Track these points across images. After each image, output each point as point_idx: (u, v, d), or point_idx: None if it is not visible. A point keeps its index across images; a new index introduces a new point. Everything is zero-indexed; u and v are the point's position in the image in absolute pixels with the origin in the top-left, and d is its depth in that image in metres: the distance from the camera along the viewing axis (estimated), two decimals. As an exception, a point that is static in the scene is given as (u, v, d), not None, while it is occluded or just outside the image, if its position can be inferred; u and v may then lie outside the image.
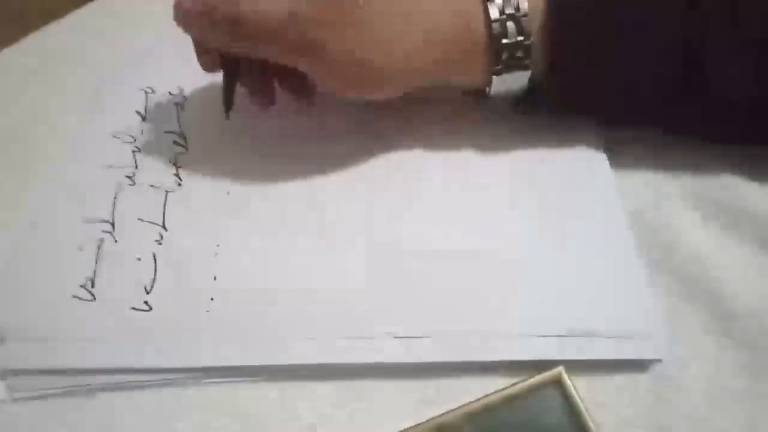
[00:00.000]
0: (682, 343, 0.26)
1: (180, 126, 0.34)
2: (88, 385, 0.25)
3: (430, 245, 0.28)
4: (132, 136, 0.33)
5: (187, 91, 0.36)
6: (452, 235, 0.29)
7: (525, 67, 0.28)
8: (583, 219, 0.29)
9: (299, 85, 0.31)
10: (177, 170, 0.32)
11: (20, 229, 0.29)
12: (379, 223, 0.29)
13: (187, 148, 0.33)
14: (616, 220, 0.29)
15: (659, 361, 0.25)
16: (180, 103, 0.35)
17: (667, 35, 0.27)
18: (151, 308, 0.27)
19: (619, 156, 0.31)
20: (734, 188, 0.30)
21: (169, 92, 0.36)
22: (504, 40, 0.27)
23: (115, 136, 0.33)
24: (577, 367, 0.24)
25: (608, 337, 0.25)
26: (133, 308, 0.27)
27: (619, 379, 0.25)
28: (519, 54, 0.27)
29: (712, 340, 0.26)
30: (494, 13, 0.27)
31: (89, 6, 0.41)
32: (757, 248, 0.28)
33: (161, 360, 0.25)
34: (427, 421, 0.23)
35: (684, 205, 0.29)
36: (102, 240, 0.29)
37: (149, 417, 0.24)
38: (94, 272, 0.28)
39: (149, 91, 0.36)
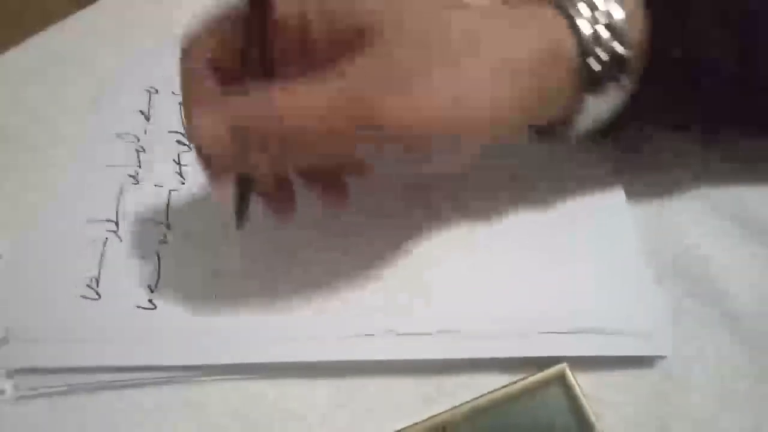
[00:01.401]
0: (687, 341, 0.25)
1: (183, 125, 0.34)
2: (92, 383, 0.25)
3: (431, 243, 0.28)
4: (135, 136, 0.34)
5: (191, 90, 0.36)
6: (453, 233, 0.28)
7: (622, 81, 0.24)
8: (588, 217, 0.29)
9: (331, 178, 0.27)
10: (180, 169, 0.32)
11: (25, 229, 0.30)
12: (378, 226, 0.29)
13: (190, 148, 0.33)
14: (621, 217, 0.29)
15: (663, 358, 0.25)
16: (183, 103, 0.35)
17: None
18: (155, 307, 0.27)
19: (624, 157, 0.31)
20: (740, 187, 0.29)
21: (173, 92, 0.36)
22: (600, 53, 0.23)
23: (118, 136, 0.34)
24: (581, 363, 0.24)
25: (612, 334, 0.25)
26: (138, 307, 0.27)
27: (623, 377, 0.25)
28: (617, 68, 0.24)
29: (717, 339, 0.25)
30: (584, 25, 0.23)
31: (91, 8, 0.41)
32: (763, 248, 0.28)
33: (165, 358, 0.25)
34: (429, 419, 0.23)
35: (690, 204, 0.29)
36: (106, 239, 0.29)
37: (152, 415, 0.25)
38: (99, 271, 0.28)
39: (152, 90, 0.36)
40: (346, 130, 0.21)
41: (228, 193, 0.24)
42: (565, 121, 0.26)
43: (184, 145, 0.33)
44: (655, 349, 0.25)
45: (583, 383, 0.24)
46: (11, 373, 0.25)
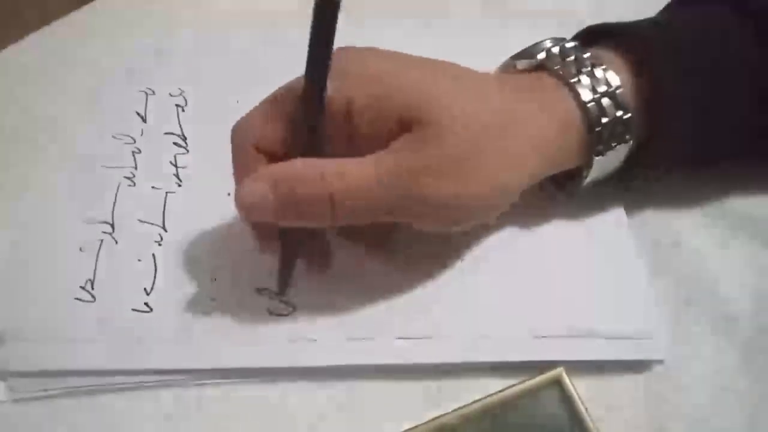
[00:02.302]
0: (683, 343, 0.26)
1: (180, 127, 0.34)
2: (88, 386, 0.25)
3: (430, 250, 0.28)
4: (132, 137, 0.33)
5: (188, 91, 0.36)
6: (452, 239, 0.29)
7: (626, 141, 0.26)
8: (584, 221, 0.29)
9: (375, 235, 0.28)
10: (177, 171, 0.32)
11: (20, 230, 0.29)
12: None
13: (187, 149, 0.33)
14: (617, 220, 0.29)
15: (660, 361, 0.25)
16: (180, 104, 0.35)
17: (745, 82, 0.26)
18: (151, 309, 0.27)
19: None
20: (735, 190, 0.30)
21: (170, 93, 0.36)
22: (604, 119, 0.25)
23: (115, 137, 0.33)
24: (578, 367, 0.25)
25: (609, 338, 0.25)
26: (134, 309, 0.27)
27: (620, 380, 0.25)
28: (619, 129, 0.26)
29: (712, 341, 0.26)
30: (586, 95, 0.25)
31: (89, 6, 0.41)
32: (757, 249, 0.28)
33: (161, 361, 0.25)
34: (428, 422, 0.23)
35: (685, 206, 0.30)
36: (102, 241, 0.29)
37: (150, 418, 0.24)
38: (94, 273, 0.28)
39: (149, 92, 0.36)
40: (394, 204, 0.23)
41: (275, 250, 0.26)
42: (574, 174, 0.28)
43: (181, 147, 0.33)
44: (650, 352, 0.25)
45: (579, 386, 0.24)
46: (5, 375, 0.25)
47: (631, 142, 0.26)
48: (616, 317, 0.26)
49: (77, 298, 0.27)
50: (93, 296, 0.27)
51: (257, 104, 0.25)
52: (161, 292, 0.27)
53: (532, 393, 0.24)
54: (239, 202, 0.23)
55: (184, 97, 0.35)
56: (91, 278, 0.28)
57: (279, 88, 0.25)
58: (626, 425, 0.24)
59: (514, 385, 0.24)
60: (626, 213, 0.29)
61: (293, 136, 0.24)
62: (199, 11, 0.41)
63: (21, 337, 0.26)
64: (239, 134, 0.25)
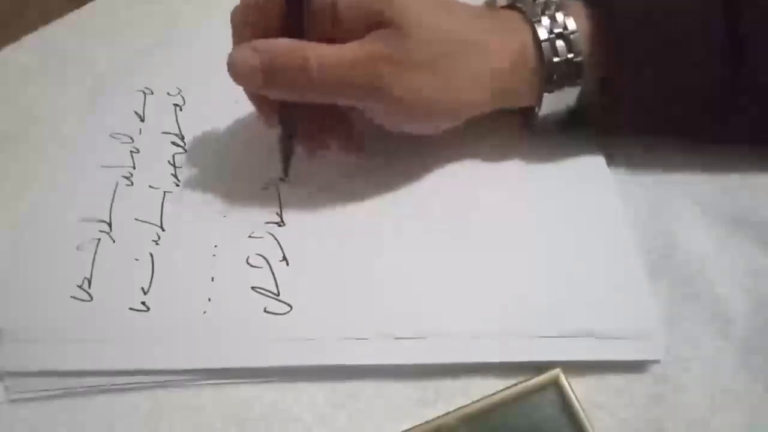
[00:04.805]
0: (681, 344, 0.26)
1: (178, 127, 0.34)
2: (85, 386, 0.25)
3: (427, 246, 0.28)
4: (130, 137, 0.33)
5: (186, 91, 0.36)
6: (451, 236, 0.29)
7: (575, 84, 0.28)
8: (582, 220, 0.29)
9: (349, 135, 0.32)
10: (175, 171, 0.32)
11: (18, 230, 0.29)
12: (372, 231, 0.29)
13: (185, 149, 0.33)
14: (615, 221, 0.29)
15: (657, 362, 0.25)
16: (178, 104, 0.35)
17: (710, 34, 0.27)
18: (148, 309, 0.27)
19: (618, 159, 0.31)
20: (733, 190, 0.30)
21: (168, 93, 0.36)
22: (555, 59, 0.28)
23: (113, 137, 0.33)
24: (575, 368, 0.24)
25: (606, 338, 0.25)
26: (131, 309, 0.27)
27: (618, 381, 0.25)
28: (570, 71, 0.28)
29: (710, 341, 0.26)
30: (543, 33, 0.28)
31: (89, 6, 0.41)
32: (755, 249, 0.28)
33: (159, 361, 0.25)
34: (425, 422, 0.23)
35: (683, 206, 0.29)
36: (99, 240, 0.29)
37: (146, 418, 0.24)
38: (92, 272, 0.28)
39: (148, 91, 0.36)
40: (356, 86, 0.26)
41: (270, 119, 0.30)
42: (528, 110, 0.30)
43: (179, 146, 0.33)
44: (648, 353, 0.25)
45: (577, 387, 0.24)
46: (1, 375, 0.25)
47: (581, 85, 0.28)
48: (613, 317, 0.26)
49: (74, 298, 0.27)
50: (90, 295, 0.27)
51: None
52: (158, 291, 0.27)
53: (529, 394, 0.24)
54: (228, 64, 0.26)
55: (182, 97, 0.35)
56: (89, 277, 0.28)
57: None
58: (624, 426, 0.24)
59: (511, 386, 0.24)
60: (625, 214, 0.29)
61: (283, 24, 0.27)
62: (199, 11, 0.41)
63: (17, 337, 0.26)
64: (236, 15, 0.28)
